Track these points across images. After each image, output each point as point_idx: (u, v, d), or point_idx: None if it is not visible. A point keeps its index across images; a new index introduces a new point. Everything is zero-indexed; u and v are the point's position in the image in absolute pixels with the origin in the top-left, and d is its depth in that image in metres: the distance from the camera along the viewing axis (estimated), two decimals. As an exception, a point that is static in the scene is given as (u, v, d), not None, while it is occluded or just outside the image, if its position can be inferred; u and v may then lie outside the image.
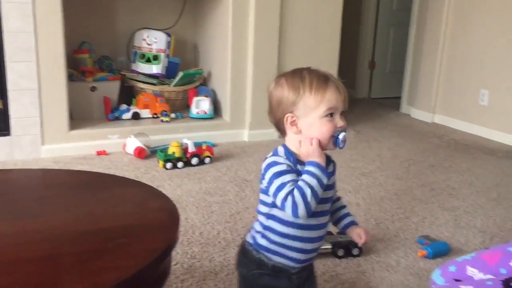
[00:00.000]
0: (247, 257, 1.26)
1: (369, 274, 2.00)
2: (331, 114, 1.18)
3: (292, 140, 1.21)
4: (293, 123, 1.19)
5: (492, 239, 2.35)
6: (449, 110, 4.61)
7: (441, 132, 4.37)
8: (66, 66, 3.25)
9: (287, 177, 1.15)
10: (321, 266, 2.02)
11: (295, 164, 1.19)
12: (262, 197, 1.23)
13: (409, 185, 3.02)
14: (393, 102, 5.41)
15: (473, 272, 1.29)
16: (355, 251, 2.12)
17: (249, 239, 1.28)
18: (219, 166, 3.20)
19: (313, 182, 1.13)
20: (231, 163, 3.26)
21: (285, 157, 1.19)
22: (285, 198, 1.13)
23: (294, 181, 1.15)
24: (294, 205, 1.12)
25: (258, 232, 1.25)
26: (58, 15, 3.14)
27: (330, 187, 1.23)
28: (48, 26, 3.12)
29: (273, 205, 1.19)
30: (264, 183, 1.19)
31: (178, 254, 2.06)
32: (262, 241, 1.23)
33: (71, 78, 3.50)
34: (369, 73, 5.92)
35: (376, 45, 5.85)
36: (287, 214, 1.15)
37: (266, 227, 1.22)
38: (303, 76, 1.19)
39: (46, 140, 3.26)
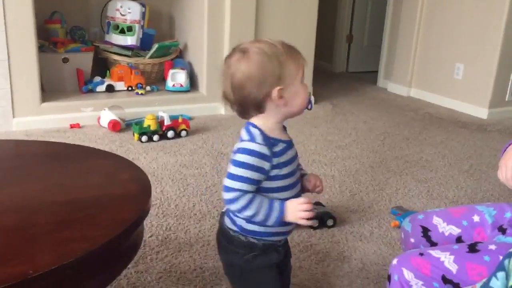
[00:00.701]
0: (235, 243, 1.18)
1: (342, 244, 2.03)
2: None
3: (274, 112, 1.13)
4: (281, 96, 1.10)
5: (463, 210, 2.41)
6: (424, 84, 4.65)
7: (416, 105, 4.41)
8: (36, 36, 3.16)
9: (254, 175, 1.10)
10: (296, 237, 2.04)
11: (271, 146, 1.12)
12: None
13: (384, 157, 3.05)
14: (370, 76, 5.43)
15: (437, 221, 1.36)
16: (330, 222, 2.14)
17: (230, 225, 1.19)
18: (195, 139, 3.18)
19: (262, 216, 1.12)
20: (207, 136, 3.24)
21: (264, 143, 1.11)
22: (240, 191, 1.09)
23: (254, 183, 1.11)
24: (243, 206, 1.10)
25: (242, 219, 1.16)
26: (27, -17, 3.03)
27: (295, 157, 1.21)
28: (16, -6, 3.02)
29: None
30: (231, 160, 1.12)
31: (153, 227, 2.06)
32: (250, 226, 1.16)
33: (42, 49, 3.41)
34: (346, 47, 5.91)
35: (353, 19, 5.82)
36: (225, 197, 1.12)
37: None
38: (272, 44, 1.11)
39: (17, 113, 3.19)
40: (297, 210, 1.12)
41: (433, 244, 1.33)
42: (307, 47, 4.04)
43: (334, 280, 1.79)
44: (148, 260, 1.82)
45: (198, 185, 2.48)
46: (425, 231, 1.35)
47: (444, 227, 1.33)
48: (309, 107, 1.19)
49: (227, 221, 1.20)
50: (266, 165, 1.11)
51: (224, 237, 1.21)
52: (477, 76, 4.15)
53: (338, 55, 5.93)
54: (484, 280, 1.00)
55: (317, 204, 2.26)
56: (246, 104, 1.12)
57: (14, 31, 3.05)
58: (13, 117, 3.18)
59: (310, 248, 1.98)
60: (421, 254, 1.16)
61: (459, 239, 1.32)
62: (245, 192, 1.10)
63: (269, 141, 1.12)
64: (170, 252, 1.88)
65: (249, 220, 1.15)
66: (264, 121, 1.14)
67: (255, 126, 1.14)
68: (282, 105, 1.12)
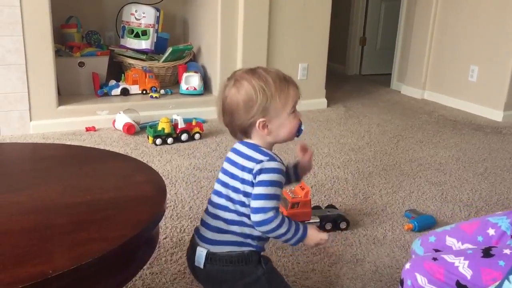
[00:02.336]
0: (253, 259, 1.20)
1: (356, 247, 2.03)
2: (294, 109, 1.21)
3: (260, 138, 1.21)
4: (264, 126, 1.18)
5: (478, 213, 2.39)
6: (438, 87, 4.63)
7: (430, 108, 4.39)
8: (53, 41, 3.21)
9: (280, 192, 1.18)
10: (309, 240, 2.05)
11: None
12: (241, 198, 1.18)
13: (397, 160, 3.05)
14: (383, 79, 5.41)
15: (452, 242, 1.32)
16: (343, 225, 2.14)
17: (241, 248, 1.20)
18: (208, 142, 3.20)
19: (290, 235, 1.18)
20: (220, 139, 3.26)
21: (281, 161, 1.19)
22: (274, 209, 1.14)
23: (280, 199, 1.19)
24: (278, 224, 1.15)
25: (250, 237, 1.20)
26: (44, -11, 3.09)
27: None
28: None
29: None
30: (257, 182, 1.15)
31: (168, 228, 2.08)
32: (260, 243, 1.22)
33: (58, 53, 3.47)
34: (360, 49, 5.90)
35: (367, 21, 5.81)
36: (260, 219, 1.14)
37: (249, 225, 1.19)
38: (265, 78, 1.17)
39: (34, 116, 3.24)
40: (316, 241, 1.22)
41: None
42: (321, 50, 4.05)
43: (347, 282, 1.79)
44: (163, 262, 1.84)
45: (211, 188, 2.48)
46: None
47: (459, 247, 1.30)
48: (297, 135, 1.25)
49: (234, 248, 1.20)
50: (284, 180, 1.19)
51: (237, 263, 1.20)
52: (491, 78, 4.11)
53: (351, 58, 5.92)
54: (497, 283, 1.00)
55: (330, 207, 2.27)
56: (233, 128, 1.22)
57: (32, 36, 3.11)
58: (30, 120, 3.23)
59: (323, 250, 1.99)
60: (435, 259, 1.15)
61: None
62: (278, 209, 1.16)
63: (281, 159, 1.20)
64: (184, 254, 1.89)
65: (257, 237, 1.20)
66: (261, 143, 1.22)
67: (262, 147, 1.21)
68: (266, 134, 1.19)
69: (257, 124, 1.18)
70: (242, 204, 1.19)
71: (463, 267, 1.12)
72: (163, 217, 1.86)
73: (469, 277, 1.10)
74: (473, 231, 1.31)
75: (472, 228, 1.32)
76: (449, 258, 1.15)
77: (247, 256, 1.20)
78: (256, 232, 1.20)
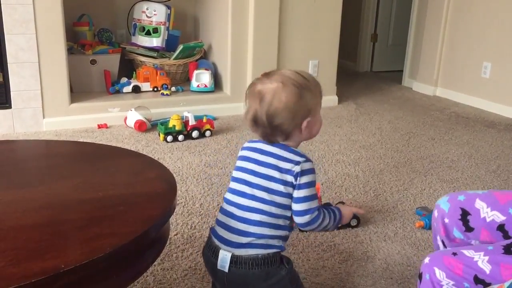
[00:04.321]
0: (276, 260, 1.20)
1: (366, 244, 2.03)
2: None
3: (294, 141, 1.22)
4: (307, 126, 1.20)
5: (490, 210, 2.37)
6: (451, 83, 4.59)
7: (442, 105, 4.36)
8: (65, 38, 3.24)
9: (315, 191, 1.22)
10: (319, 237, 2.05)
11: None
12: (280, 200, 1.18)
13: (409, 157, 3.03)
14: (395, 76, 5.38)
15: (481, 205, 1.29)
16: (353, 222, 2.14)
17: (267, 250, 1.18)
18: (219, 139, 3.21)
19: (332, 223, 1.24)
20: (231, 136, 3.27)
21: (312, 161, 1.22)
22: (317, 208, 1.19)
23: None
24: (322, 219, 1.21)
25: (275, 237, 1.20)
26: (56, -13, 3.11)
27: None
28: (46, -2, 3.11)
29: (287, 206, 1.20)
30: (300, 184, 1.17)
31: (179, 225, 2.09)
32: (284, 243, 1.23)
33: (70, 51, 3.49)
34: (371, 46, 5.87)
35: (378, 18, 5.78)
36: (307, 220, 1.19)
37: (283, 227, 1.21)
38: (303, 77, 1.19)
39: (47, 113, 3.27)
40: (350, 216, 1.31)
41: (468, 229, 1.29)
42: (332, 47, 4.04)
43: (357, 280, 1.79)
44: (174, 258, 1.85)
45: (222, 185, 2.51)
46: (465, 214, 1.30)
47: (487, 213, 1.28)
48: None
49: (260, 251, 1.18)
50: None
51: (263, 266, 1.18)
52: (505, 74, 4.07)
53: (362, 54, 5.89)
54: None
55: (341, 204, 2.26)
56: (275, 131, 1.19)
57: (44, 34, 3.14)
58: (43, 117, 3.27)
59: (334, 247, 1.99)
60: (454, 254, 1.15)
61: (501, 227, 1.26)
62: (319, 208, 1.21)
63: None
64: (195, 250, 1.91)
65: (280, 236, 1.21)
66: (291, 144, 1.23)
67: (289, 146, 1.22)
68: (306, 133, 1.21)
69: (303, 125, 1.18)
70: (281, 206, 1.18)
71: (482, 262, 1.11)
72: (174, 214, 1.88)
73: (488, 272, 1.10)
74: (506, 201, 1.28)
75: (506, 198, 1.28)
76: (469, 253, 1.14)
77: (272, 258, 1.19)
78: (287, 233, 1.22)
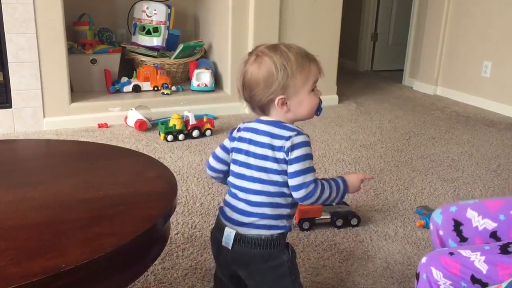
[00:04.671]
0: (281, 243, 1.20)
1: (367, 243, 2.03)
2: (314, 87, 1.20)
3: (279, 115, 1.20)
4: (283, 104, 1.17)
5: (490, 210, 2.37)
6: (451, 82, 4.59)
7: (443, 104, 4.36)
8: (65, 38, 3.24)
9: (313, 163, 1.18)
10: (320, 236, 2.05)
11: None
12: (277, 178, 1.17)
13: (409, 157, 3.03)
14: (395, 75, 5.38)
15: (472, 214, 1.30)
16: (354, 221, 2.14)
17: (270, 231, 1.18)
18: (220, 139, 3.20)
19: (335, 194, 1.20)
20: (231, 136, 3.26)
21: (306, 134, 1.19)
22: (313, 182, 1.15)
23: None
24: (320, 192, 1.16)
25: (278, 217, 1.19)
26: (57, -14, 3.11)
27: None
28: (46, -3, 3.10)
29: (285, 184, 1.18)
30: (291, 159, 1.15)
31: (179, 224, 2.09)
32: (288, 222, 1.22)
33: (71, 50, 3.49)
34: (371, 45, 5.87)
35: (378, 17, 5.78)
36: (302, 194, 1.15)
37: (284, 205, 1.20)
38: (286, 55, 1.16)
39: (48, 113, 3.27)
40: (357, 184, 1.25)
41: (463, 239, 1.30)
42: (332, 46, 4.04)
43: (358, 279, 1.79)
44: (174, 257, 1.85)
45: (222, 184, 2.51)
46: (457, 225, 1.31)
47: (478, 221, 1.28)
48: (317, 113, 1.24)
49: (263, 231, 1.19)
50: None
51: (265, 248, 1.19)
52: (505, 74, 4.07)
53: (362, 54, 5.89)
54: (510, 279, 1.00)
55: (341, 203, 2.26)
56: (252, 103, 1.21)
57: (44, 33, 3.14)
58: (44, 117, 3.27)
59: (334, 247, 1.99)
60: (451, 254, 1.15)
61: (493, 235, 1.27)
62: (316, 180, 1.16)
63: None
64: (195, 250, 1.91)
65: (284, 216, 1.20)
66: (281, 119, 1.20)
67: (284, 123, 1.19)
68: (284, 111, 1.18)
69: (276, 101, 1.16)
70: (277, 183, 1.17)
71: (479, 262, 1.11)
72: (175, 213, 1.87)
73: (484, 272, 1.10)
74: (497, 209, 1.29)
75: (496, 206, 1.30)
76: (466, 253, 1.14)
77: (276, 240, 1.19)
78: (289, 211, 1.20)
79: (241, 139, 1.22)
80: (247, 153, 1.20)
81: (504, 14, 4.04)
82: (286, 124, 1.19)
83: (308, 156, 1.16)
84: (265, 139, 1.17)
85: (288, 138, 1.15)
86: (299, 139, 1.15)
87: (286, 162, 1.15)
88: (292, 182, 1.15)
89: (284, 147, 1.15)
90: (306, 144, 1.16)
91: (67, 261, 0.90)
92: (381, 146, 3.20)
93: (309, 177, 1.15)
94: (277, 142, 1.16)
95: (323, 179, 1.20)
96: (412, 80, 5.01)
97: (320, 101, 1.22)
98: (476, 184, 2.65)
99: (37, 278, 0.85)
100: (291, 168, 1.15)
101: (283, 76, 1.15)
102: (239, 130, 1.24)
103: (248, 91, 1.19)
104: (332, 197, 1.20)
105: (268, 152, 1.16)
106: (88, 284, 0.96)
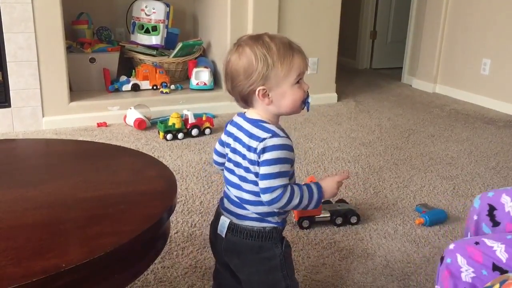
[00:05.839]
0: (273, 236, 1.20)
1: (366, 241, 2.03)
2: (299, 80, 1.17)
3: (262, 109, 1.17)
4: (264, 95, 1.14)
5: (490, 207, 2.37)
6: (450, 80, 4.59)
7: (442, 102, 4.36)
8: (64, 37, 3.23)
9: (288, 168, 1.14)
10: (320, 234, 2.05)
11: (289, 137, 1.19)
12: (253, 177, 1.16)
13: (408, 154, 3.03)
14: (394, 73, 5.38)
15: (506, 200, 1.33)
16: (353, 219, 2.14)
17: (262, 224, 1.19)
18: (219, 137, 3.20)
19: (307, 201, 1.16)
20: (231, 134, 3.26)
21: (285, 135, 1.16)
22: (282, 187, 1.12)
23: (288, 175, 1.15)
24: (288, 199, 1.13)
25: (267, 214, 1.19)
26: (55, -15, 3.11)
27: None
28: (45, -4, 3.10)
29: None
30: (261, 161, 1.13)
31: (179, 223, 2.09)
32: (279, 219, 1.21)
33: (69, 49, 3.49)
34: (370, 43, 5.86)
35: (377, 15, 5.77)
36: (269, 198, 1.13)
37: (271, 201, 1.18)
38: (268, 45, 1.14)
39: (47, 112, 3.27)
40: (334, 188, 1.21)
41: (495, 224, 1.33)
42: (331, 44, 4.03)
43: (357, 277, 1.79)
44: (174, 256, 1.85)
45: (222, 182, 2.51)
46: (491, 209, 1.34)
47: (511, 206, 1.31)
48: (303, 107, 1.20)
49: (255, 223, 1.19)
50: (292, 156, 1.16)
51: (257, 239, 1.20)
52: (504, 71, 4.07)
53: (361, 52, 5.89)
54: None
55: (340, 201, 2.27)
56: (234, 94, 1.19)
57: (43, 33, 3.14)
58: (43, 116, 3.26)
59: (334, 245, 1.99)
60: (477, 243, 1.19)
61: None
62: (285, 185, 1.13)
63: (286, 133, 1.17)
64: (195, 248, 1.91)
65: (274, 213, 1.19)
66: (265, 114, 1.18)
67: (265, 122, 1.17)
68: (266, 104, 1.16)
69: (256, 92, 1.14)
70: (256, 183, 1.16)
71: (500, 251, 1.15)
72: (174, 212, 1.88)
73: (504, 260, 1.14)
74: None
75: None
76: (489, 242, 1.18)
77: (268, 233, 1.20)
78: (274, 209, 1.19)
79: (229, 134, 1.22)
80: (234, 150, 1.20)
81: (503, 12, 4.04)
82: (265, 125, 1.16)
83: (280, 160, 1.12)
84: (245, 139, 1.17)
85: (262, 140, 1.13)
86: (272, 141, 1.12)
87: (258, 164, 1.14)
88: (260, 184, 1.14)
89: (257, 148, 1.13)
90: (280, 147, 1.12)
91: (67, 260, 0.90)
92: (380, 144, 3.20)
93: (276, 182, 1.12)
94: (252, 143, 1.15)
95: (296, 184, 1.17)
96: (411, 78, 5.01)
97: (307, 95, 1.19)
98: (475, 182, 2.66)
99: (37, 277, 0.85)
100: (261, 170, 1.13)
101: (262, 67, 1.12)
102: (231, 123, 1.24)
103: (230, 82, 1.18)
104: (304, 204, 1.16)
105: (246, 152, 1.16)
106: (88, 284, 0.96)
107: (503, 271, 1.13)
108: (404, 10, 5.25)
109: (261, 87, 1.14)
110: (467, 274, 1.17)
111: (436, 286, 1.25)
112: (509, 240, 1.18)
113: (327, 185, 1.20)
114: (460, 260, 1.18)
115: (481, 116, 3.95)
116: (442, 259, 1.24)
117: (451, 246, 1.22)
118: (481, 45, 4.25)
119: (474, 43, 4.31)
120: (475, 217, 1.38)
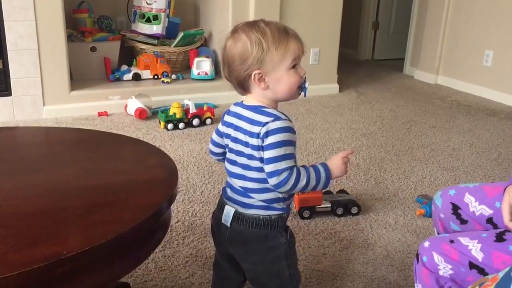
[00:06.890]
0: (279, 225, 1.21)
1: (367, 232, 2.03)
2: (295, 65, 1.17)
3: (259, 94, 1.18)
4: (260, 79, 1.15)
5: (490, 199, 2.37)
6: (452, 71, 4.57)
7: (444, 93, 4.34)
8: (65, 26, 3.22)
9: (292, 150, 1.14)
10: (320, 224, 2.06)
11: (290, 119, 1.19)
12: (257, 164, 1.16)
13: (410, 145, 3.03)
14: (396, 64, 5.36)
15: (470, 199, 1.32)
16: (354, 210, 2.14)
17: (268, 212, 1.19)
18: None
19: (314, 182, 1.16)
20: (232, 124, 3.26)
21: (287, 118, 1.16)
22: (288, 169, 1.12)
23: (294, 157, 1.15)
24: (296, 180, 1.13)
25: (275, 201, 1.19)
26: (56, -27, 3.09)
27: None
28: (45, -16, 3.08)
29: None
30: (265, 145, 1.13)
31: (180, 212, 2.10)
32: (285, 204, 1.21)
33: (70, 38, 3.47)
34: (372, 34, 5.83)
35: (379, 6, 5.74)
36: (275, 182, 1.13)
37: (271, 190, 1.18)
38: (263, 30, 1.14)
39: (47, 101, 3.26)
40: (340, 164, 1.20)
41: (463, 222, 1.32)
42: (333, 35, 4.01)
43: (358, 267, 1.79)
44: (175, 245, 1.86)
45: (222, 172, 2.51)
46: (455, 208, 1.33)
47: (475, 207, 1.30)
48: (300, 92, 1.20)
49: (261, 211, 1.20)
50: (295, 138, 1.16)
51: (262, 228, 1.20)
52: (506, 63, 4.05)
53: (363, 43, 5.86)
54: (506, 269, 1.00)
55: (341, 192, 2.27)
56: (232, 80, 1.19)
57: (44, 21, 3.12)
58: (44, 105, 3.26)
59: (335, 235, 1.99)
60: (452, 241, 1.18)
61: (489, 220, 1.29)
62: (292, 167, 1.13)
63: (287, 116, 1.17)
64: (196, 238, 1.92)
65: (281, 199, 1.19)
66: (262, 99, 1.18)
67: (265, 107, 1.17)
68: (263, 88, 1.16)
69: (252, 76, 1.14)
70: (260, 169, 1.16)
71: (476, 250, 1.14)
72: (175, 201, 1.88)
73: (480, 259, 1.13)
74: (494, 196, 1.30)
75: (494, 193, 1.31)
76: (464, 241, 1.17)
77: (273, 221, 1.20)
78: (278, 195, 1.19)
79: (228, 125, 1.22)
80: (235, 140, 1.20)
81: (506, 3, 4.01)
82: (266, 109, 1.16)
83: (284, 143, 1.12)
84: (246, 126, 1.17)
85: (264, 124, 1.13)
86: (275, 125, 1.13)
87: (262, 148, 1.14)
88: (266, 168, 1.14)
89: (260, 133, 1.13)
90: (284, 130, 1.13)
91: (68, 248, 0.90)
92: (381, 135, 3.20)
93: (283, 165, 1.12)
94: (255, 129, 1.15)
95: (303, 166, 1.17)
96: (413, 69, 4.99)
97: (304, 79, 1.19)
98: (477, 173, 2.65)
99: (38, 265, 0.85)
100: (265, 155, 1.13)
101: (257, 51, 1.13)
102: (228, 113, 1.24)
103: (227, 68, 1.18)
104: (312, 185, 1.16)
105: (248, 139, 1.16)
106: (89, 271, 0.96)
107: (480, 269, 1.12)
108: (407, 1, 5.21)
109: (256, 71, 1.14)
110: (445, 271, 1.16)
111: (416, 284, 1.23)
112: (484, 238, 1.16)
113: (332, 164, 1.20)
114: (437, 258, 1.17)
115: (483, 107, 3.94)
116: (417, 256, 1.22)
117: (426, 244, 1.20)
118: (483, 36, 4.22)
119: (477, 35, 4.28)
120: (442, 215, 1.37)
